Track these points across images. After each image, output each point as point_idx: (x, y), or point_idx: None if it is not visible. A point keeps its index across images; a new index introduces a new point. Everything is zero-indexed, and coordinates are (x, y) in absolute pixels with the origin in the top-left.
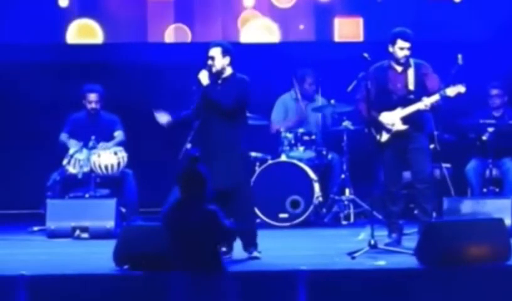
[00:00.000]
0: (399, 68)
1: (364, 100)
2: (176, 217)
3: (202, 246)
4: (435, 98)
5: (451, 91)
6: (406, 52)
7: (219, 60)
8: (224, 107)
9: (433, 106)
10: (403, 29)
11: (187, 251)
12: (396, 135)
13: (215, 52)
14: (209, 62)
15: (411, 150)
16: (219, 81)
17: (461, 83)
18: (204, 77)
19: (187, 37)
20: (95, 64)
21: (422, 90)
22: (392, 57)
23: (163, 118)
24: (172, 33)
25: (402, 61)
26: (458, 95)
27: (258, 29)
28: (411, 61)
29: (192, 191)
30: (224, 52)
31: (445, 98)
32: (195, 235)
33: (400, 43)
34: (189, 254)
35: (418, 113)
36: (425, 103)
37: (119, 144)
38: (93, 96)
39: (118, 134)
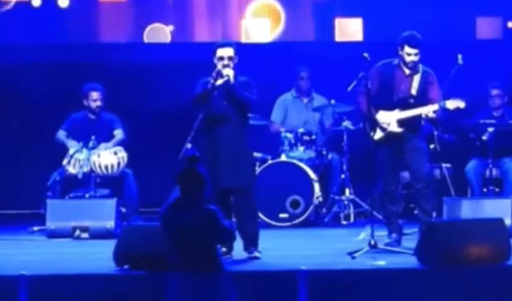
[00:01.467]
0: (407, 71)
1: (365, 94)
2: (175, 217)
3: (201, 246)
4: (434, 107)
5: (450, 104)
6: (414, 58)
7: (234, 60)
8: (247, 103)
9: (433, 119)
10: (412, 34)
11: (186, 251)
12: (390, 136)
13: (231, 52)
14: (226, 62)
15: (407, 151)
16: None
17: (462, 99)
18: (231, 74)
19: (167, 37)
20: (95, 64)
21: (423, 98)
22: (401, 59)
23: (231, 71)
24: (151, 33)
25: (410, 65)
26: (457, 109)
27: (261, 11)
28: (420, 67)
29: (191, 191)
30: (236, 53)
31: (443, 110)
32: (194, 235)
33: (407, 49)
34: (188, 254)
35: (415, 116)
36: (425, 110)
37: (119, 143)
38: (95, 95)
39: (118, 133)
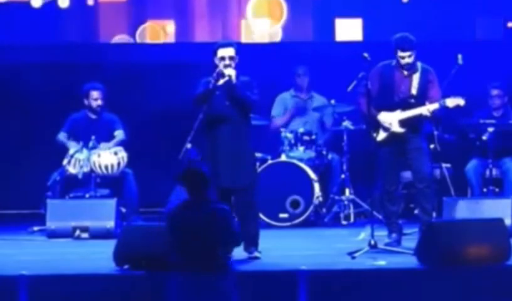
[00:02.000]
0: (405, 71)
1: (366, 94)
2: (182, 217)
3: (208, 246)
4: (435, 106)
5: (450, 102)
6: (408, 60)
7: (235, 60)
8: (248, 103)
9: (433, 117)
10: (403, 36)
11: (193, 252)
12: (392, 137)
13: (232, 52)
14: (227, 62)
15: (409, 151)
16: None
17: (461, 96)
18: (233, 74)
19: (160, 36)
20: (95, 64)
21: (424, 96)
22: (397, 61)
23: (233, 71)
24: (146, 32)
25: (405, 67)
26: (457, 107)
27: (263, 5)
28: (419, 65)
29: (199, 190)
30: (237, 52)
31: (443, 109)
32: (202, 233)
33: (400, 53)
34: (194, 254)
35: (416, 116)
36: (425, 110)
37: (120, 143)
38: (96, 94)
39: (119, 133)
